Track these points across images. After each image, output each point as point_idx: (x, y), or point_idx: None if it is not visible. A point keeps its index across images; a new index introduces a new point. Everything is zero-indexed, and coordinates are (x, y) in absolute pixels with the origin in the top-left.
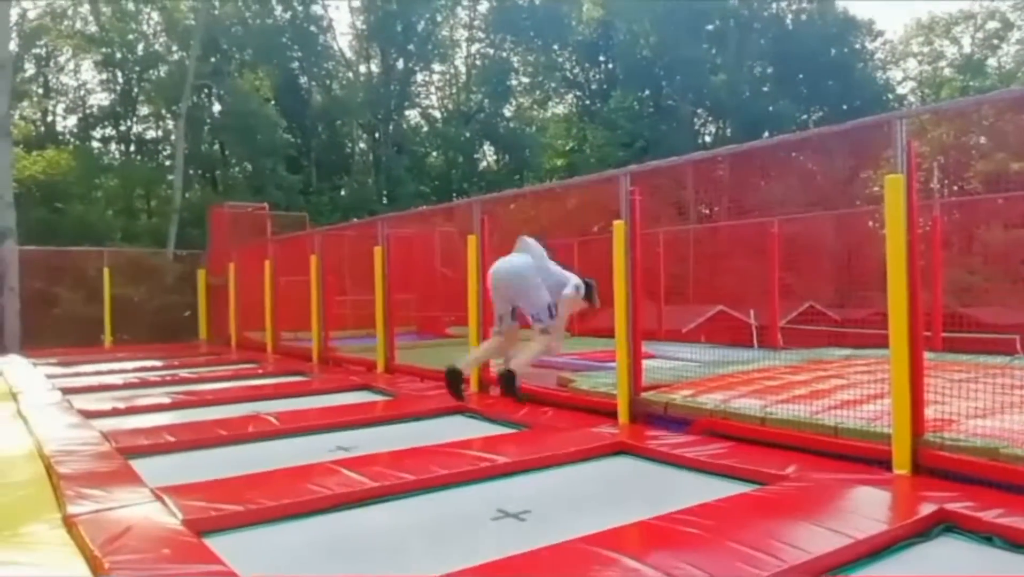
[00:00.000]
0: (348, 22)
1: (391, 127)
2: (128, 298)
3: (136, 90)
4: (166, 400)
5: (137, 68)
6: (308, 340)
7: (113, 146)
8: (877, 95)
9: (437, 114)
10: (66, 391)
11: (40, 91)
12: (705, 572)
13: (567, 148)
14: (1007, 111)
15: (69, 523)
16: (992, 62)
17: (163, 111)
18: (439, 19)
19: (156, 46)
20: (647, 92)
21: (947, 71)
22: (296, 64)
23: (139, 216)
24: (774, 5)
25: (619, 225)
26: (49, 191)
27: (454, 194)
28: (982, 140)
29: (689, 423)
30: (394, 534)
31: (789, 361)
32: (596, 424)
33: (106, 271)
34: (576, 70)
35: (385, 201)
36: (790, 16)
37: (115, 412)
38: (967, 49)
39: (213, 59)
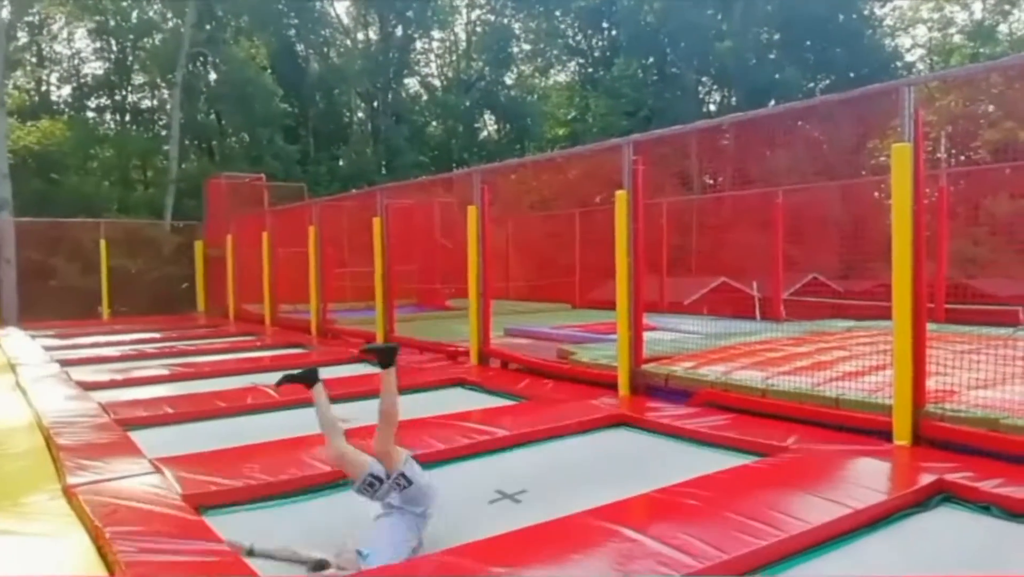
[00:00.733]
0: None
1: (390, 96)
2: (125, 270)
3: (131, 59)
4: (164, 372)
5: (131, 36)
6: (307, 312)
7: (108, 116)
8: (885, 63)
9: (437, 82)
10: (64, 363)
11: (34, 60)
12: (706, 543)
13: (569, 117)
14: (1017, 79)
15: (69, 493)
16: (1003, 28)
17: (158, 80)
18: None
19: (150, 13)
20: (651, 59)
21: (957, 38)
22: (293, 31)
23: (135, 187)
24: None
25: (621, 195)
26: (44, 162)
27: (454, 164)
28: (990, 108)
29: (690, 395)
30: None
31: (791, 333)
32: (596, 396)
33: (103, 242)
34: (579, 37)
35: (384, 171)
36: None
37: (113, 384)
38: (978, 15)
39: (208, 26)
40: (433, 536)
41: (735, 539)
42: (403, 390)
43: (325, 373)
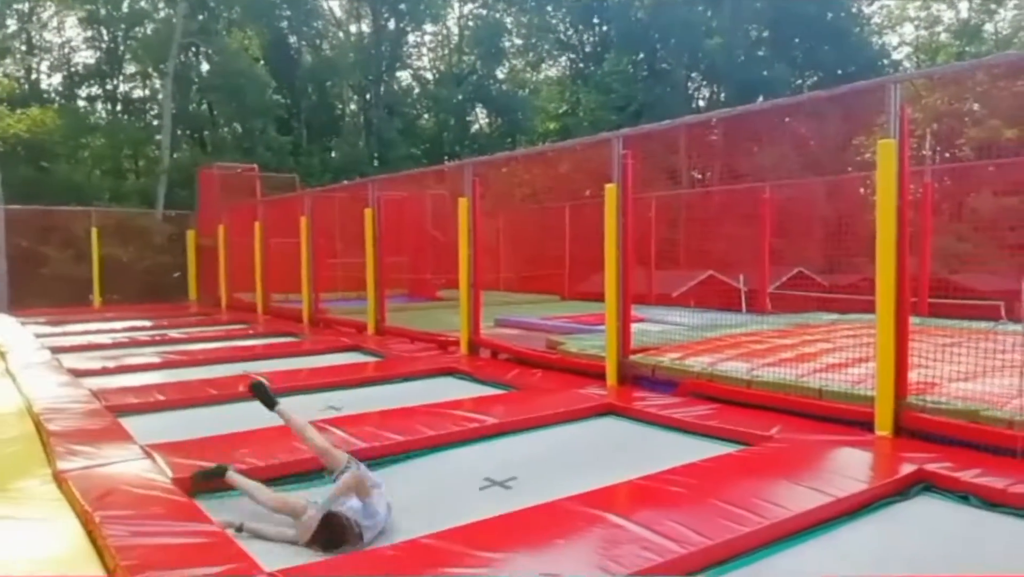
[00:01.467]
0: None
1: (382, 88)
2: (117, 258)
3: (122, 48)
4: (156, 359)
5: (123, 25)
6: (298, 302)
7: (99, 105)
8: (872, 61)
9: (429, 76)
10: (55, 350)
11: (23, 48)
12: (690, 529)
13: (560, 111)
14: (1001, 77)
15: (59, 479)
16: (989, 27)
17: (150, 70)
18: None
19: (142, 3)
20: (641, 55)
21: (944, 36)
22: (285, 23)
23: (127, 176)
24: None
25: (611, 188)
26: (34, 150)
27: (446, 157)
28: (975, 107)
29: (676, 385)
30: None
31: (777, 325)
32: (585, 386)
33: (94, 231)
34: (570, 32)
35: (376, 163)
36: None
37: (105, 371)
38: (964, 14)
39: (201, 17)
40: (424, 522)
41: (718, 525)
42: (394, 379)
43: (316, 361)
